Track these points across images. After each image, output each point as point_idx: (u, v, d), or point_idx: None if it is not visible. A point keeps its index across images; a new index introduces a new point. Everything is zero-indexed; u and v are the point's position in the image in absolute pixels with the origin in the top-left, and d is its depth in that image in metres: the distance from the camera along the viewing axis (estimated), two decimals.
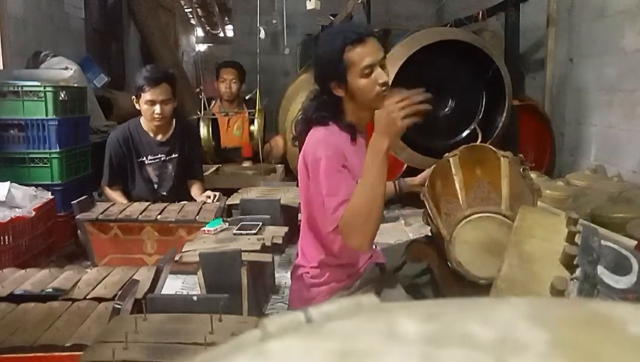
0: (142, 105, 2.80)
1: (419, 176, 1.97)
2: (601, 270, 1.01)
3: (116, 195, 2.83)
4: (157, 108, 2.77)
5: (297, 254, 1.93)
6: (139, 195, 2.86)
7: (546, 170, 3.71)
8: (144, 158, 2.88)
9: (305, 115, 1.75)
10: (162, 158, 2.91)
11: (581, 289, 0.97)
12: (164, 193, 2.91)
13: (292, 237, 2.61)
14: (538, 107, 3.87)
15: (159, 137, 2.90)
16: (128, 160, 2.86)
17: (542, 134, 3.87)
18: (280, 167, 3.96)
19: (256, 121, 4.05)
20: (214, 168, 3.81)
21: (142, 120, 2.89)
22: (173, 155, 2.92)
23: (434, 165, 1.91)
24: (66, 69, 3.35)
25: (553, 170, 3.90)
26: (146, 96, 2.76)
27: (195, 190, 2.94)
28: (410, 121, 1.48)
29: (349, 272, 1.79)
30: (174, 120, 2.95)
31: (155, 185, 2.93)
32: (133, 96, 2.85)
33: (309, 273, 1.79)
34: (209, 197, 2.77)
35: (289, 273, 2.52)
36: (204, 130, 4.01)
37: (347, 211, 1.52)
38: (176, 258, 1.84)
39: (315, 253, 1.78)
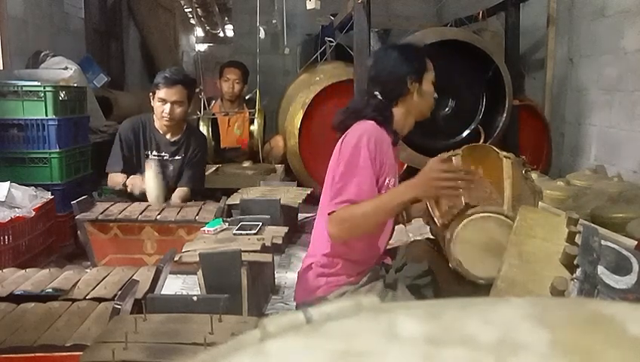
0: (154, 103, 2.86)
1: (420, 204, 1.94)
2: (601, 270, 1.01)
3: (119, 178, 2.81)
4: (167, 107, 2.81)
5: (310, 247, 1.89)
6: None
7: (545, 170, 3.71)
8: (148, 152, 2.92)
9: (355, 109, 1.78)
10: (165, 157, 2.92)
11: (581, 289, 0.97)
12: None
13: (292, 237, 2.61)
14: (536, 107, 3.87)
15: (167, 136, 2.94)
16: (135, 150, 2.89)
17: (540, 134, 3.86)
18: (280, 167, 3.95)
19: (256, 121, 4.04)
20: (214, 168, 3.81)
21: (155, 116, 2.93)
22: (177, 157, 2.93)
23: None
24: (66, 68, 3.35)
25: (552, 169, 3.90)
26: (159, 94, 2.82)
27: (175, 193, 2.90)
28: (446, 194, 1.60)
29: (359, 269, 1.76)
30: (186, 123, 3.00)
31: None
32: (150, 93, 2.91)
33: (319, 262, 1.76)
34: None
35: (289, 273, 2.53)
36: (204, 130, 4.01)
37: (345, 211, 1.59)
38: (176, 258, 1.83)
39: (328, 241, 1.72)
